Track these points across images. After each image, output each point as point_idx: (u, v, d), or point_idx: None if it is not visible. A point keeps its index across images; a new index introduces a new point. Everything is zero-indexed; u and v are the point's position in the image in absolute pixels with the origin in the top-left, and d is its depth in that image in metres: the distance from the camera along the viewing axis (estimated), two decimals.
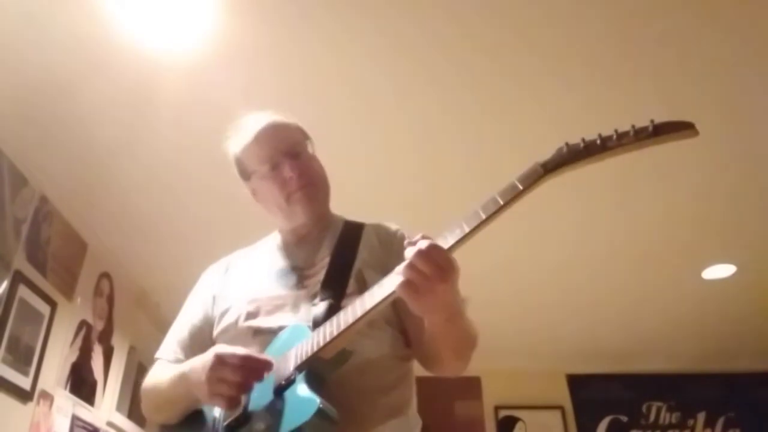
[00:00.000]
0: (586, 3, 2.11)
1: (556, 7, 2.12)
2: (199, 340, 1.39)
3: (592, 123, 2.43)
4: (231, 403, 1.11)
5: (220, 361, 1.11)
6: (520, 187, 0.97)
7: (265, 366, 1.13)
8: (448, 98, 2.48)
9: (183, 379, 1.20)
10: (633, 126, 0.83)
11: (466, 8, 2.11)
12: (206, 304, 1.43)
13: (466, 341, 1.19)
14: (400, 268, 1.02)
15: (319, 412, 1.04)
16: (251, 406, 1.17)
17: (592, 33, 2.21)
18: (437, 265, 0.99)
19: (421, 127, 2.63)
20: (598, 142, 0.87)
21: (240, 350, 1.14)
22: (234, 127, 1.48)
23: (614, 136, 0.85)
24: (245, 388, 1.11)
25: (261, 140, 1.41)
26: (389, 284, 1.07)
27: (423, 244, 1.00)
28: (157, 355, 1.41)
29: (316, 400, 1.05)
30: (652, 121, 0.82)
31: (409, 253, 1.00)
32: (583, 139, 0.89)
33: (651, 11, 2.13)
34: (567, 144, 0.92)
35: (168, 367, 1.34)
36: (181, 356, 1.37)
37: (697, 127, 0.82)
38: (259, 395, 1.16)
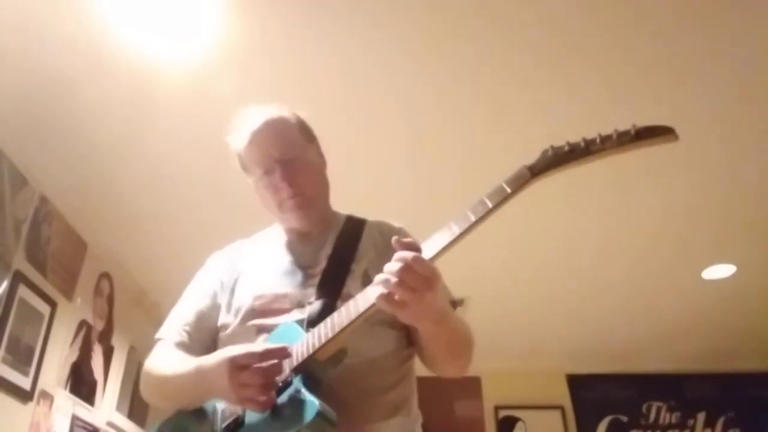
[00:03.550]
0: (580, 3, 2.11)
1: (551, 7, 2.12)
2: (206, 326, 1.37)
3: (584, 120, 2.47)
4: (264, 405, 1.10)
5: (236, 366, 1.10)
6: (509, 191, 0.99)
7: (281, 356, 1.12)
8: (443, 96, 2.49)
9: (201, 382, 1.18)
10: (615, 130, 0.85)
11: (461, 6, 2.11)
12: (215, 289, 1.42)
13: (459, 340, 1.21)
14: (382, 282, 1.02)
15: (319, 416, 1.04)
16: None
17: (586, 32, 2.22)
18: (422, 277, 1.00)
19: (415, 125, 2.64)
20: (582, 145, 0.88)
21: (252, 348, 1.13)
22: (237, 120, 1.47)
23: (598, 140, 0.86)
24: (271, 386, 1.10)
25: (254, 143, 1.41)
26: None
27: (407, 257, 1.00)
28: (160, 335, 1.39)
29: (316, 403, 1.05)
30: (634, 125, 0.83)
31: (393, 267, 1.01)
32: (568, 142, 0.90)
33: (645, 12, 2.13)
34: (552, 147, 0.93)
35: (175, 353, 1.32)
36: (186, 340, 1.35)
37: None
38: None
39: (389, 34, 2.22)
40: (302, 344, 1.14)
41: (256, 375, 1.08)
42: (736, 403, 4.70)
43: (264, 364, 1.10)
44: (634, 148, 0.84)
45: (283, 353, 1.12)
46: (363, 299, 1.09)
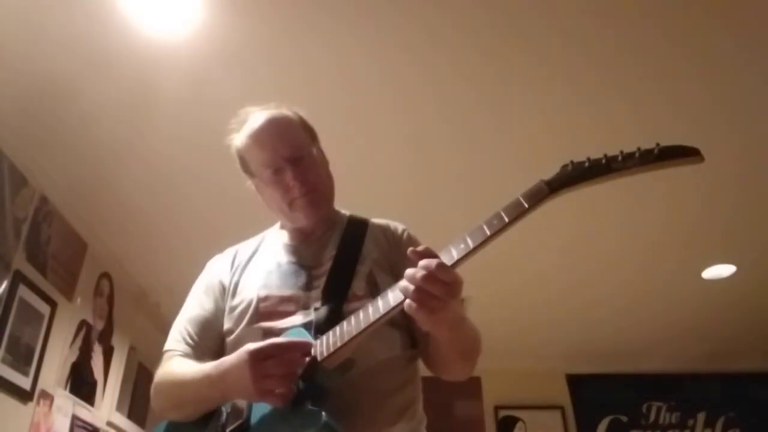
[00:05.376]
0: (593, 11, 2.11)
1: (562, 13, 2.12)
2: (211, 332, 1.35)
3: (591, 126, 2.46)
4: (284, 397, 1.08)
5: (259, 357, 1.08)
6: (526, 206, 0.97)
7: (304, 349, 1.11)
8: (445, 97, 2.48)
9: (220, 381, 1.15)
10: (639, 148, 0.83)
11: (466, 8, 2.10)
12: (216, 294, 1.40)
13: (472, 344, 1.19)
14: (406, 289, 1.00)
15: (325, 426, 1.03)
16: (254, 414, 1.15)
17: (598, 39, 2.22)
18: (446, 284, 0.98)
19: (418, 125, 2.63)
20: (604, 161, 0.86)
21: (274, 339, 1.12)
22: (237, 121, 1.44)
23: (619, 157, 0.84)
24: (293, 377, 1.08)
25: (262, 143, 1.38)
26: (396, 298, 1.05)
27: (430, 265, 0.98)
28: (167, 347, 1.36)
29: (321, 414, 1.04)
30: (657, 144, 0.81)
31: (417, 274, 0.99)
32: (589, 158, 0.88)
33: (657, 15, 2.13)
34: (572, 162, 0.91)
35: (185, 362, 1.30)
36: (193, 349, 1.33)
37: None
38: (262, 403, 1.14)
39: (391, 35, 2.21)
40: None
41: (279, 365, 1.07)
42: (736, 403, 4.69)
43: (286, 354, 1.08)
44: (656, 168, 0.82)
45: (306, 348, 1.11)
46: (374, 309, 1.07)
